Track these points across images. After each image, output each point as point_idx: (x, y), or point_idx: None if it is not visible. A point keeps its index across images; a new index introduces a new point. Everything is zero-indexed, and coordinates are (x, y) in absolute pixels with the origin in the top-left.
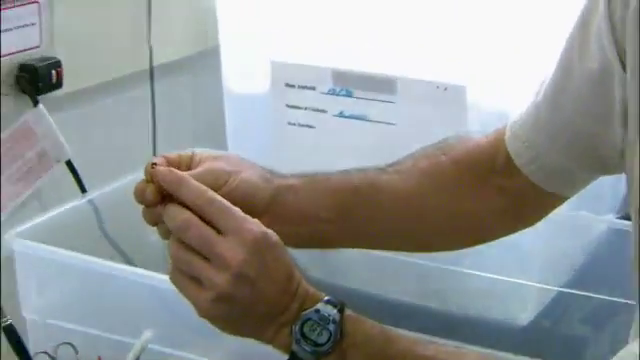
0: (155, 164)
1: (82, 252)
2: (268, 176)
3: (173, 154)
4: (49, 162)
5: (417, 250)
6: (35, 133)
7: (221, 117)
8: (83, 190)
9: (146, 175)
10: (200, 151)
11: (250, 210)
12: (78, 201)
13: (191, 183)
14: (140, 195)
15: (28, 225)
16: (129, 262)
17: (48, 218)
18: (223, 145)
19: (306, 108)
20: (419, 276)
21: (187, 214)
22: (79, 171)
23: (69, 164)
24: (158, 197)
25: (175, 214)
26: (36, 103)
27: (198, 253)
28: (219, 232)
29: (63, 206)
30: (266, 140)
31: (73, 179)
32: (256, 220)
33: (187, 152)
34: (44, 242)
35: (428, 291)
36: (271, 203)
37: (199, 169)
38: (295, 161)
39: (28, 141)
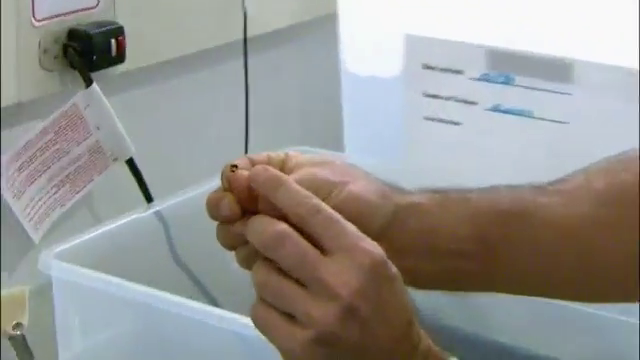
0: (235, 167)
1: (144, 281)
2: (386, 191)
3: (261, 155)
4: (104, 160)
5: (587, 300)
6: (86, 122)
7: (336, 106)
8: (149, 199)
9: (223, 181)
10: (296, 153)
11: None
12: (141, 213)
13: (292, 186)
14: (214, 208)
15: (73, 243)
16: (207, 296)
17: (100, 234)
18: (337, 143)
19: (450, 98)
20: (593, 330)
21: (281, 225)
22: (144, 173)
23: (131, 164)
24: (238, 210)
25: (264, 226)
26: (89, 82)
27: (293, 279)
28: (324, 252)
29: (121, 219)
30: (395, 139)
31: (136, 183)
32: (374, 242)
33: (279, 154)
34: (93, 266)
35: (606, 350)
36: (387, 227)
37: (294, 176)
38: (430, 169)
39: (77, 132)
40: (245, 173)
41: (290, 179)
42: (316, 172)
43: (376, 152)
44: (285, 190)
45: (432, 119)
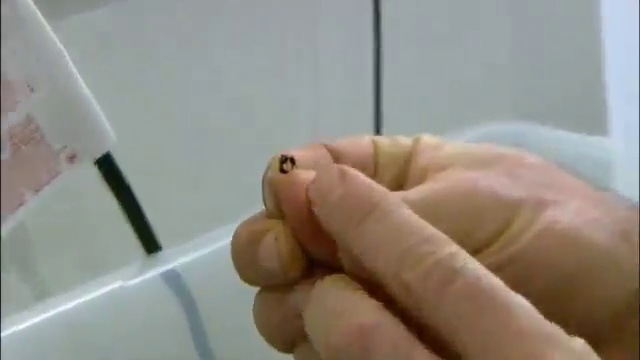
0: (292, 162)
1: None
2: (634, 223)
3: (359, 139)
4: (50, 160)
5: None
6: (6, 76)
7: (585, 46)
8: (151, 247)
9: (265, 196)
10: (437, 140)
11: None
12: (138, 276)
13: (402, 216)
14: (248, 255)
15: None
16: None
17: (54, 317)
18: (591, 118)
19: None
20: None
21: (369, 316)
22: (142, 195)
23: (109, 168)
24: (298, 261)
25: (341, 304)
26: None
27: None
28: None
29: (100, 288)
30: None
31: (123, 213)
32: (586, 347)
33: (398, 140)
34: None
35: None
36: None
37: (432, 185)
38: None
39: None
40: (309, 176)
41: (394, 196)
42: (478, 180)
43: None
44: (375, 223)
45: None
